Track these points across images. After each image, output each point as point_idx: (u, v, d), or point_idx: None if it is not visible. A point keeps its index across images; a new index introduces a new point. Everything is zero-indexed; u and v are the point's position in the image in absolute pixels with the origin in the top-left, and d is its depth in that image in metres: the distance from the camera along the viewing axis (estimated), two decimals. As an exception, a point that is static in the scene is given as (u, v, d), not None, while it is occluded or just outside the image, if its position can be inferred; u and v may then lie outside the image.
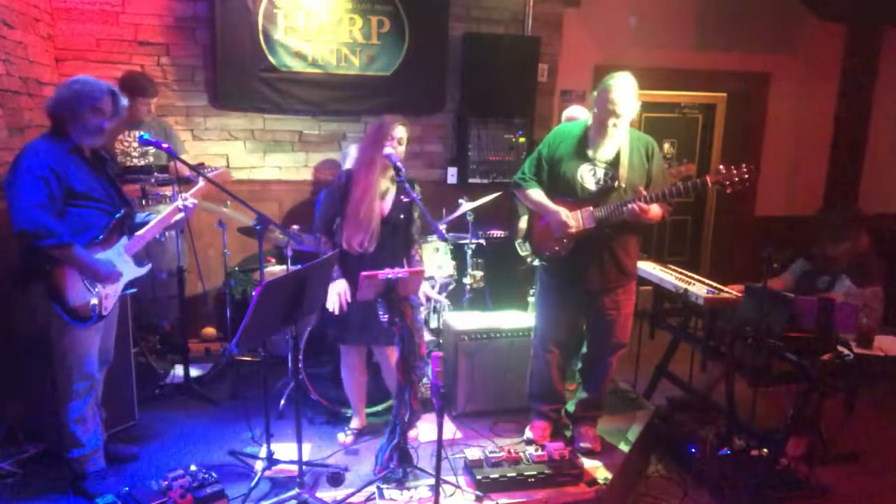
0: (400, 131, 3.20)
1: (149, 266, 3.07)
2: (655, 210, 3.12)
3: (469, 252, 4.47)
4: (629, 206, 3.04)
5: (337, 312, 3.17)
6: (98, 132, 2.81)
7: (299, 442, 2.90)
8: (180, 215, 3.06)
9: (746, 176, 3.00)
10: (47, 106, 2.78)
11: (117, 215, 2.88)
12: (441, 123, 5.37)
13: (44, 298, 2.71)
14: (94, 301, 2.76)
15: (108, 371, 3.09)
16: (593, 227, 3.15)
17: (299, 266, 2.85)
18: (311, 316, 3.50)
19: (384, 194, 3.22)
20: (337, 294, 3.16)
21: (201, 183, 3.16)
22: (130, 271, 2.96)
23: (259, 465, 3.07)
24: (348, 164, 4.29)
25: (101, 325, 2.87)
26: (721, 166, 3.06)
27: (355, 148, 4.34)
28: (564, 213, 3.16)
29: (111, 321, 3.01)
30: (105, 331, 2.97)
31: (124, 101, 2.91)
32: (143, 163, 4.22)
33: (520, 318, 3.99)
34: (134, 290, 3.15)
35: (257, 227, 3.05)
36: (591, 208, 3.15)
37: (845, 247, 3.82)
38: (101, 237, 2.82)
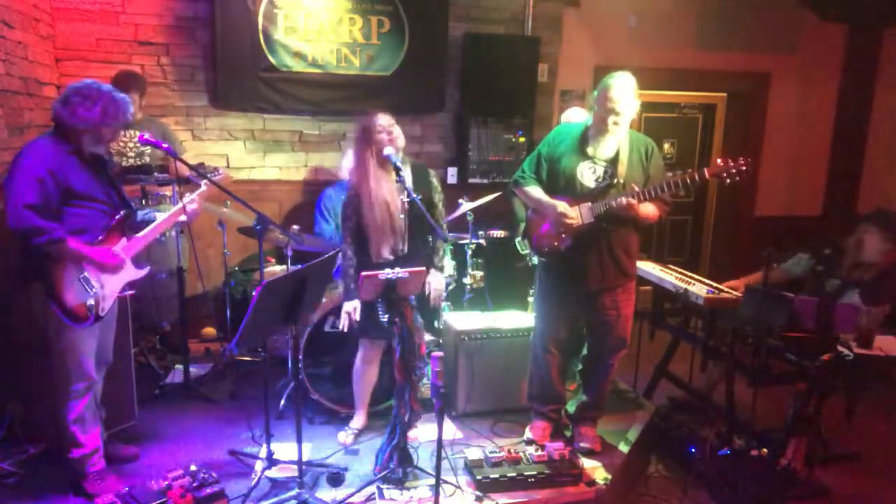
0: (384, 119, 3.19)
1: (147, 269, 3.06)
2: (648, 209, 3.13)
3: (469, 252, 4.47)
4: (619, 199, 3.05)
5: (346, 330, 3.22)
6: (109, 142, 2.87)
7: (299, 442, 2.90)
8: (183, 217, 3.06)
9: (744, 168, 3.01)
10: (59, 114, 2.74)
11: (117, 216, 2.88)
12: (441, 123, 5.37)
13: (42, 298, 2.72)
14: (91, 302, 2.76)
15: (108, 371, 3.08)
16: (592, 221, 3.15)
17: (299, 266, 2.85)
18: (311, 315, 3.50)
19: (395, 192, 3.19)
20: (346, 313, 3.21)
21: (203, 187, 3.17)
22: (129, 273, 2.95)
23: (259, 465, 3.07)
24: (343, 167, 4.31)
25: (98, 326, 2.86)
26: (719, 159, 3.07)
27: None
28: (562, 206, 3.17)
29: (109, 322, 3.01)
30: (103, 332, 2.96)
31: (132, 109, 2.91)
32: (139, 163, 4.21)
33: (520, 318, 3.98)
34: (132, 291, 3.15)
35: (257, 227, 3.05)
36: (590, 203, 3.15)
37: (885, 250, 3.67)
38: (100, 238, 2.82)
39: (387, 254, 3.18)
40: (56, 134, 2.78)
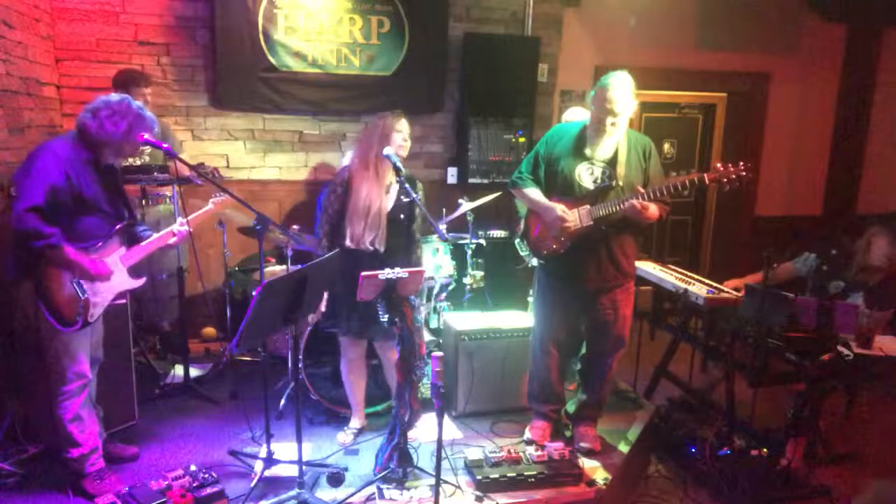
0: (404, 126, 3.23)
1: (143, 280, 3.07)
2: (653, 209, 3.12)
3: (469, 252, 4.47)
4: (628, 202, 3.04)
5: (311, 320, 3.25)
6: (127, 157, 2.95)
7: (299, 442, 2.90)
8: (173, 239, 3.08)
9: (744, 173, 3.01)
10: (86, 124, 2.75)
11: (118, 226, 2.89)
12: (441, 123, 5.37)
13: (32, 298, 2.72)
14: (81, 308, 2.75)
15: (108, 371, 3.08)
16: (591, 224, 3.15)
17: (299, 266, 2.85)
18: (310, 315, 3.50)
19: (387, 191, 3.23)
20: None
21: (210, 205, 3.24)
22: (124, 282, 2.96)
23: (259, 465, 3.07)
24: (347, 162, 4.32)
25: (89, 328, 2.86)
26: (718, 164, 3.06)
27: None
28: (561, 209, 3.16)
29: (98, 321, 3.00)
30: (93, 331, 2.96)
31: (157, 129, 2.96)
32: (138, 162, 4.22)
33: (520, 318, 3.99)
34: (124, 300, 3.14)
35: (257, 227, 3.05)
36: (589, 206, 3.15)
37: (892, 255, 3.66)
38: (100, 245, 2.83)
39: (366, 243, 3.18)
40: (78, 140, 2.79)
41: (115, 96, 2.83)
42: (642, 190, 3.05)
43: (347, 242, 3.20)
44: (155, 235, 3.07)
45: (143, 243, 3.02)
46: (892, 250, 3.68)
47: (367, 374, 3.53)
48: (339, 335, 3.39)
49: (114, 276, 2.89)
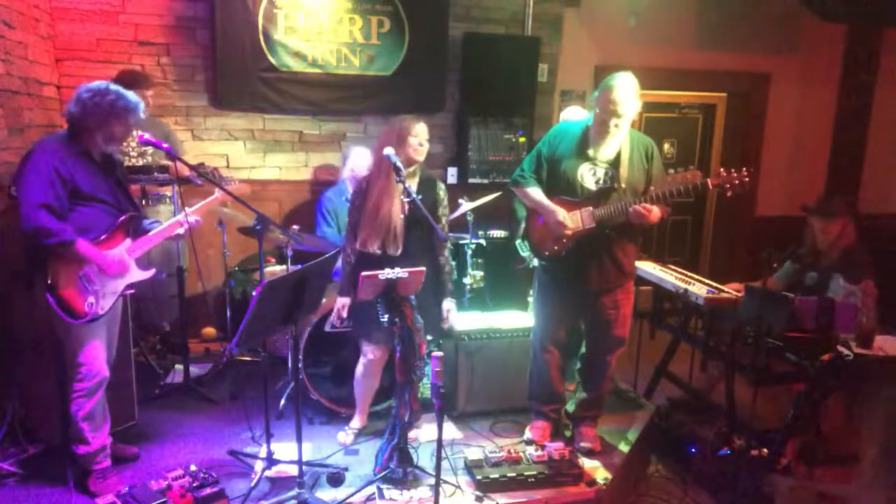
0: (421, 129, 3.19)
1: (153, 271, 3.07)
2: (656, 212, 3.12)
3: (469, 252, 4.47)
4: (633, 207, 3.04)
5: (337, 325, 3.23)
6: (120, 142, 2.92)
7: (299, 442, 2.90)
8: (181, 229, 3.08)
9: (746, 179, 3.01)
10: (71, 112, 2.79)
11: (121, 218, 2.89)
12: (441, 123, 5.36)
13: (42, 293, 2.72)
14: (91, 300, 2.77)
15: (109, 368, 3.08)
16: (593, 226, 3.14)
17: (299, 266, 2.85)
18: (311, 315, 3.50)
19: (399, 193, 3.19)
20: (336, 309, 3.21)
21: (217, 193, 3.21)
22: (133, 274, 2.97)
23: (259, 465, 3.07)
24: (349, 166, 4.33)
25: (102, 322, 2.87)
26: (721, 169, 3.06)
27: (357, 149, 4.35)
28: (562, 214, 3.15)
29: (114, 318, 3.02)
30: (110, 327, 2.98)
31: (143, 106, 2.94)
32: (140, 163, 4.22)
33: (520, 318, 3.98)
34: (132, 290, 3.16)
35: (257, 227, 3.06)
36: (591, 208, 3.14)
37: (835, 228, 3.76)
38: (103, 237, 2.84)
39: (374, 248, 3.17)
40: (68, 134, 2.81)
41: (95, 82, 2.84)
42: (651, 189, 3.05)
43: (357, 245, 3.20)
44: (161, 226, 3.07)
45: (151, 233, 3.03)
46: (822, 224, 3.82)
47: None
48: (364, 340, 3.35)
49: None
